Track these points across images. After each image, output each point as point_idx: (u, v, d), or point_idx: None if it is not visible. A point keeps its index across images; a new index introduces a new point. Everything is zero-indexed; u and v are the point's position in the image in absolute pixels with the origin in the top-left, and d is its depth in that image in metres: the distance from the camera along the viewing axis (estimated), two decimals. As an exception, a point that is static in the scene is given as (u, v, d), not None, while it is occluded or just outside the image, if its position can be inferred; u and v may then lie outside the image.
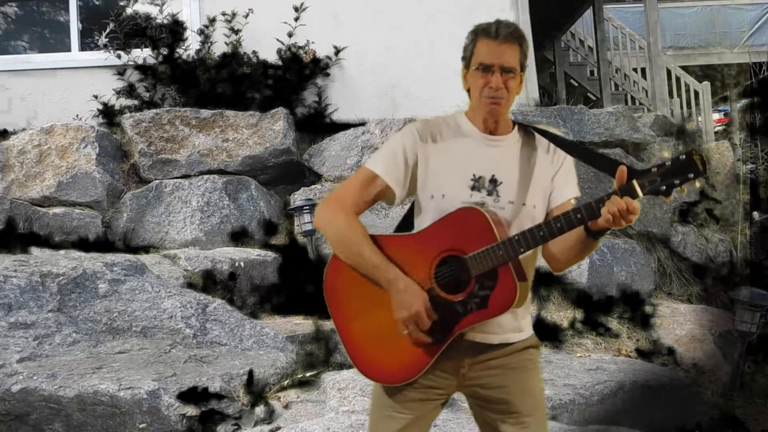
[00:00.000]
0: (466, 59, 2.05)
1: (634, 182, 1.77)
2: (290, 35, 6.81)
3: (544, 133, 2.08)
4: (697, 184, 1.82)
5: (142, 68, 6.75)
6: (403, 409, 2.01)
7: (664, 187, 1.76)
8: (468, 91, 2.07)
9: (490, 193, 1.99)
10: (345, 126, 6.54)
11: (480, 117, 2.04)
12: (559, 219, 1.85)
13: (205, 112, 6.34)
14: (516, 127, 2.09)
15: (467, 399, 2.12)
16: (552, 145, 2.07)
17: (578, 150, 2.10)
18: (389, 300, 1.96)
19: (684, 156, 1.75)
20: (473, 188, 1.99)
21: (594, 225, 1.84)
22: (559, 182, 2.05)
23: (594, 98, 10.86)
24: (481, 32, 2.02)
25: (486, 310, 1.90)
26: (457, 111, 2.11)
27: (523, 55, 2.02)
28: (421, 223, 2.04)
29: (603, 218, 1.79)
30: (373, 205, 2.10)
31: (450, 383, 2.03)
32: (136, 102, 6.72)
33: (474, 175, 2.00)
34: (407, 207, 2.17)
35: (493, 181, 2.00)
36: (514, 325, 2.03)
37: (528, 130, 2.10)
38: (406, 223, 2.15)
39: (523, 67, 2.03)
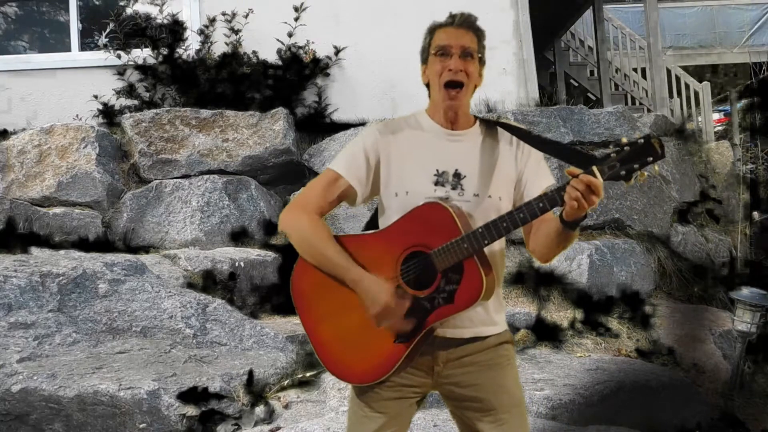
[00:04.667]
0: (425, 51, 2.06)
1: (594, 168, 1.76)
2: (290, 35, 6.81)
3: (507, 127, 2.08)
4: (656, 168, 1.81)
5: (142, 68, 6.75)
6: (379, 409, 2.01)
7: (624, 172, 1.76)
8: (427, 86, 2.07)
9: (454, 187, 1.99)
10: (345, 126, 6.54)
11: (440, 109, 2.03)
12: (521, 209, 1.86)
13: (205, 112, 6.34)
14: (477, 121, 2.09)
15: (444, 399, 2.11)
16: (515, 137, 2.06)
17: (540, 141, 2.08)
18: (357, 301, 1.96)
19: (642, 140, 1.76)
20: (437, 183, 1.99)
21: (567, 215, 1.83)
22: (531, 174, 2.04)
23: (594, 98, 10.87)
24: (436, 25, 2.06)
25: (453, 304, 1.90)
26: (418, 110, 2.11)
27: (481, 45, 2.03)
28: (385, 222, 2.03)
29: (568, 205, 1.78)
30: (337, 205, 2.11)
31: (424, 381, 2.03)
32: (136, 102, 6.72)
33: (437, 170, 1.99)
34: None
35: (457, 175, 1.99)
36: (485, 318, 2.02)
37: (490, 124, 2.09)
38: (372, 224, 2.15)
39: (482, 59, 2.03)
